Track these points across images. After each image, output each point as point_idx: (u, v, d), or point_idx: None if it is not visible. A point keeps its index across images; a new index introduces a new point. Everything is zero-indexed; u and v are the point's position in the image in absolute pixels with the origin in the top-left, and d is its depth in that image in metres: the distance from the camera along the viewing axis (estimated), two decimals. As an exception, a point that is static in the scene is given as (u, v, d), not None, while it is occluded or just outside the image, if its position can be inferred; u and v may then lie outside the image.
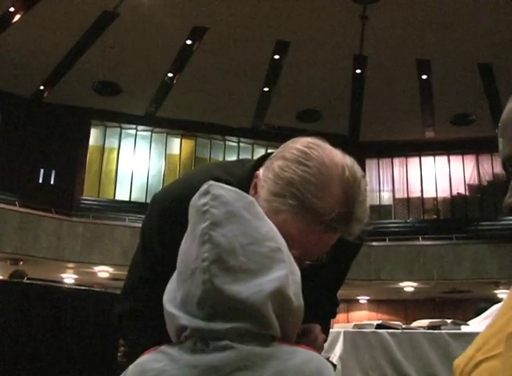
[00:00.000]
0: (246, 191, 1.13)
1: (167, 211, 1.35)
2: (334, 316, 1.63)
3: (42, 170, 18.41)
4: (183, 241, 0.93)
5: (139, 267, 1.44)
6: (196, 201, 0.91)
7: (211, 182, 0.92)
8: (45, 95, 18.45)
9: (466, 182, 20.67)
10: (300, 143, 1.20)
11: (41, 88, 18.14)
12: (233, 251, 0.85)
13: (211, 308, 0.82)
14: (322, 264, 1.27)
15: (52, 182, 18.58)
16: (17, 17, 15.59)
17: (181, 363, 0.83)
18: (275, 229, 0.94)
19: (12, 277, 6.56)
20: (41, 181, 18.43)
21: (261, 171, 1.24)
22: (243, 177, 1.32)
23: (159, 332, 1.03)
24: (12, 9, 15.31)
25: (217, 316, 0.82)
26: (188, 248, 0.89)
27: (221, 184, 0.92)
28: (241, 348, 0.82)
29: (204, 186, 0.91)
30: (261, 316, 0.83)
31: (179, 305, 0.87)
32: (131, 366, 0.88)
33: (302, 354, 0.85)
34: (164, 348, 0.87)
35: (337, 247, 1.24)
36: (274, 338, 0.86)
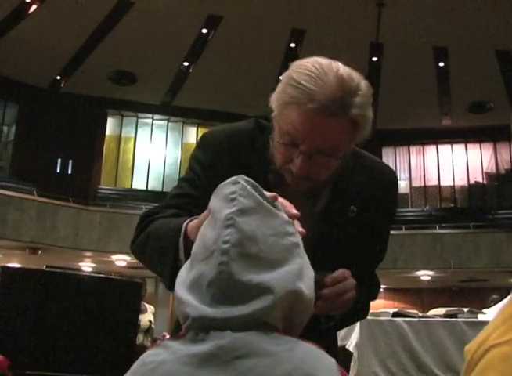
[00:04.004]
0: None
1: (214, 142, 1.49)
2: (374, 297, 1.63)
3: (60, 160, 18.54)
4: (203, 226, 0.94)
5: (176, 187, 1.53)
6: (224, 189, 0.93)
7: (241, 175, 0.94)
8: (62, 85, 18.54)
9: (484, 170, 20.49)
10: None
11: (58, 78, 18.23)
12: (255, 239, 0.86)
13: (220, 290, 0.83)
14: (349, 219, 1.39)
15: (69, 172, 18.71)
16: (33, 8, 15.66)
17: (180, 352, 0.83)
18: (295, 227, 0.96)
19: None
20: (58, 170, 18.56)
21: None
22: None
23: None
24: (27, 0, 15.38)
25: (223, 301, 0.83)
26: (207, 233, 0.90)
27: (250, 180, 0.94)
28: (242, 336, 0.81)
29: (233, 178, 0.93)
30: (267, 307, 0.83)
31: (188, 286, 0.87)
32: (135, 363, 0.88)
33: (302, 347, 0.85)
34: (165, 342, 0.87)
35: (364, 202, 1.40)
36: (276, 328, 0.85)
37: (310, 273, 0.93)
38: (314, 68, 1.27)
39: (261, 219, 0.88)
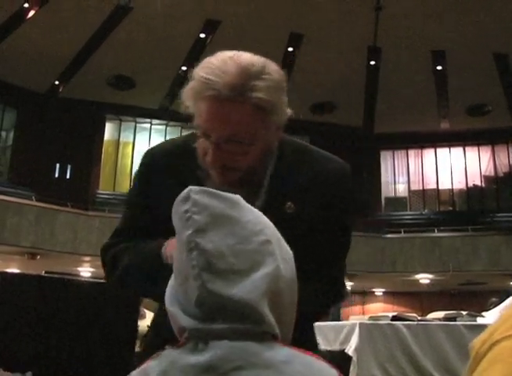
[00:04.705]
0: None
1: (151, 163, 1.51)
2: (340, 299, 1.58)
3: (58, 165, 18.54)
4: (176, 247, 0.93)
5: (123, 213, 1.59)
6: (178, 206, 0.90)
7: (191, 186, 0.91)
8: (60, 90, 18.54)
9: (482, 173, 20.51)
10: None
11: (56, 83, 18.24)
12: (221, 255, 0.84)
13: (209, 309, 0.83)
14: (288, 215, 1.37)
15: (68, 177, 18.70)
16: (32, 13, 15.68)
17: (180, 362, 0.83)
18: (263, 219, 0.93)
19: None
20: (57, 175, 18.56)
21: None
22: None
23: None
24: (26, 5, 15.39)
25: (215, 318, 0.83)
26: (178, 256, 0.90)
27: (202, 188, 0.91)
28: (240, 347, 0.81)
29: (184, 192, 0.91)
30: (259, 315, 0.83)
31: (180, 305, 0.87)
32: (133, 372, 0.89)
33: (302, 359, 0.84)
34: (165, 352, 0.87)
35: (307, 198, 1.38)
36: (274, 337, 0.85)
37: (289, 266, 0.91)
38: (216, 60, 1.30)
39: (222, 231, 0.86)
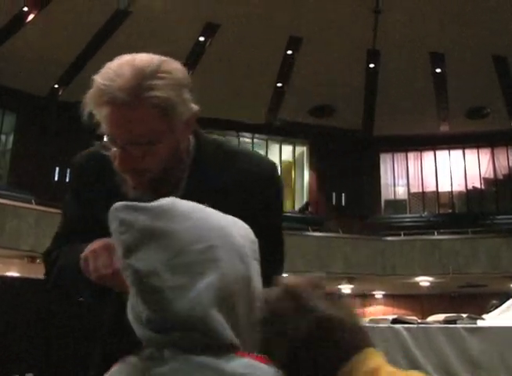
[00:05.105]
0: None
1: (78, 167, 1.59)
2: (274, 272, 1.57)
3: (58, 168, 18.53)
4: None
5: (61, 218, 1.64)
6: (110, 224, 0.88)
7: (117, 204, 0.88)
8: (60, 93, 18.55)
9: (482, 175, 20.51)
10: None
11: (56, 86, 18.24)
12: (155, 272, 0.81)
13: (159, 324, 0.81)
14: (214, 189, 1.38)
15: (67, 180, 18.69)
16: (31, 17, 15.70)
17: (137, 368, 0.82)
18: (200, 223, 0.87)
19: None
20: (56, 179, 18.55)
21: None
22: None
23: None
24: (25, 9, 15.41)
25: (167, 331, 0.81)
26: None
27: (126, 204, 0.87)
28: (193, 358, 0.79)
29: (111, 210, 0.87)
30: (209, 328, 0.80)
31: (135, 315, 0.85)
32: None
33: (263, 371, 0.81)
34: (127, 358, 0.86)
35: (227, 197, 1.34)
36: (233, 347, 0.82)
37: (239, 268, 0.86)
38: (112, 65, 1.29)
39: (153, 248, 0.82)
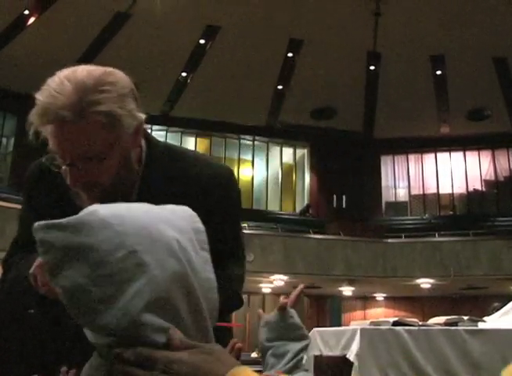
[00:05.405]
0: None
1: (29, 176, 1.61)
2: (235, 307, 1.56)
3: (58, 171, 18.56)
4: None
5: (18, 225, 1.67)
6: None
7: (36, 225, 0.85)
8: (61, 96, 18.55)
9: (483, 177, 20.51)
10: None
11: (57, 89, 18.25)
12: (80, 289, 0.80)
13: (95, 333, 0.82)
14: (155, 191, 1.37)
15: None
16: (32, 20, 15.71)
17: (93, 365, 0.86)
18: (121, 229, 0.83)
19: None
20: (57, 181, 18.57)
21: None
22: None
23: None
24: (26, 12, 15.43)
25: (103, 337, 0.81)
26: None
27: (45, 223, 0.84)
28: None
29: (34, 231, 0.85)
30: (139, 334, 0.78)
31: None
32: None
33: None
34: (94, 354, 0.88)
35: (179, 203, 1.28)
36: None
37: (174, 265, 0.82)
38: (53, 82, 1.29)
39: (75, 264, 0.81)
